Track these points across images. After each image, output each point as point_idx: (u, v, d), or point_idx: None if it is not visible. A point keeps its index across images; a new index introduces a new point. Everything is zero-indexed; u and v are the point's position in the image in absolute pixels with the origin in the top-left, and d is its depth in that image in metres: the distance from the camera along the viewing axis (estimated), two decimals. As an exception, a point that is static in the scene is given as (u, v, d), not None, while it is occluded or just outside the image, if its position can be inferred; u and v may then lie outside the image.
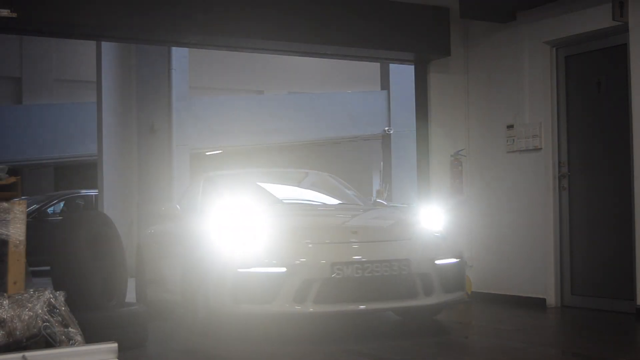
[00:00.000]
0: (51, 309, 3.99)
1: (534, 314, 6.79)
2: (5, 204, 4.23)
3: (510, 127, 7.53)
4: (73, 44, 21.48)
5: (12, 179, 4.51)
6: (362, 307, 5.35)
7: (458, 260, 5.81)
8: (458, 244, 6.12)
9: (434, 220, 6.04)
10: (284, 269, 5.24)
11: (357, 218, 6.41)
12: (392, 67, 18.40)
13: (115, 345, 3.59)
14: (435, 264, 5.57)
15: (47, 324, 3.91)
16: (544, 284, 7.16)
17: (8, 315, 3.83)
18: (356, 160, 25.04)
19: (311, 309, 5.21)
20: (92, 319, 4.97)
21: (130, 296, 6.92)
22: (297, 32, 7.28)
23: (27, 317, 3.86)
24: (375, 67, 19.67)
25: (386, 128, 19.72)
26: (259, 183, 7.37)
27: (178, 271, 6.27)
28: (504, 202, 7.64)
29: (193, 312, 5.85)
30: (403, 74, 17.37)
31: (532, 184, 7.32)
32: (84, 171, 27.66)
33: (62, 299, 4.07)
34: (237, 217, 5.67)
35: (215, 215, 5.83)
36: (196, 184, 7.26)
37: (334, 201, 7.13)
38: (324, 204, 7.15)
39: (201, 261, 5.66)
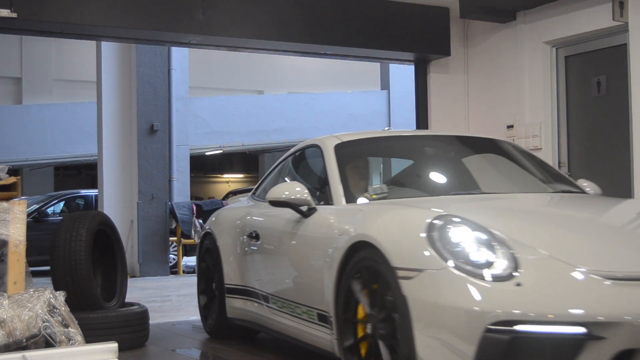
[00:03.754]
0: (51, 309, 3.98)
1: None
2: (5, 204, 4.23)
3: (510, 127, 7.53)
4: (73, 44, 21.50)
5: (12, 179, 4.51)
6: None
7: None
8: None
9: None
10: (581, 330, 2.95)
11: (628, 223, 3.99)
12: (392, 67, 18.40)
13: (115, 345, 3.59)
14: None
15: (47, 324, 3.91)
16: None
17: (8, 315, 3.83)
18: (356, 160, 24.99)
19: None
20: (92, 319, 4.98)
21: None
22: (297, 32, 7.28)
23: (27, 317, 3.86)
24: (375, 67, 19.69)
25: (386, 128, 19.71)
26: (425, 154, 5.07)
27: (318, 292, 4.05)
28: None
29: None
30: (403, 74, 17.40)
31: (532, 184, 7.32)
32: (84, 171, 27.71)
33: (62, 299, 4.07)
34: (462, 224, 3.34)
35: (412, 217, 3.57)
36: (314, 153, 4.91)
37: (555, 187, 4.84)
38: (562, 196, 4.70)
39: (402, 298, 3.26)
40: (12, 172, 4.56)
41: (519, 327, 2.97)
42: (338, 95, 20.54)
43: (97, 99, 12.66)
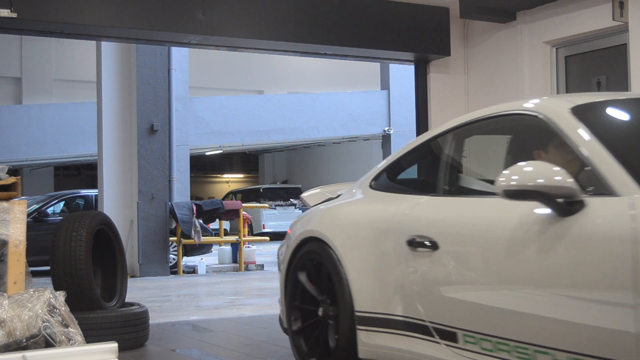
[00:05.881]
0: (51, 309, 3.98)
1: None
2: (5, 204, 4.23)
3: (510, 127, 7.53)
4: (73, 44, 21.52)
5: (12, 179, 4.51)
6: None
7: None
8: None
9: None
10: None
11: None
12: (392, 67, 18.41)
13: (115, 345, 3.58)
14: None
15: (47, 324, 3.91)
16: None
17: (8, 315, 3.83)
18: (356, 160, 25.06)
19: None
20: (92, 319, 4.98)
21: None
22: (297, 32, 7.28)
23: (27, 317, 3.86)
24: (375, 67, 19.71)
25: (386, 128, 19.75)
26: None
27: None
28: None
29: None
30: (403, 74, 17.42)
31: (532, 184, 7.31)
32: (84, 171, 27.73)
33: (62, 299, 4.07)
34: None
35: None
36: (516, 124, 3.77)
37: None
38: None
39: None
40: (12, 172, 4.56)
41: None
42: (338, 95, 20.56)
43: (97, 99, 12.67)
